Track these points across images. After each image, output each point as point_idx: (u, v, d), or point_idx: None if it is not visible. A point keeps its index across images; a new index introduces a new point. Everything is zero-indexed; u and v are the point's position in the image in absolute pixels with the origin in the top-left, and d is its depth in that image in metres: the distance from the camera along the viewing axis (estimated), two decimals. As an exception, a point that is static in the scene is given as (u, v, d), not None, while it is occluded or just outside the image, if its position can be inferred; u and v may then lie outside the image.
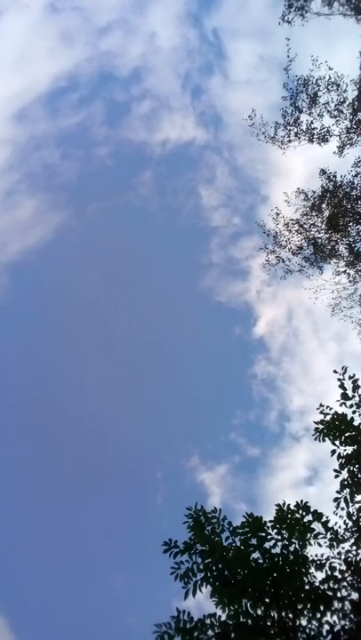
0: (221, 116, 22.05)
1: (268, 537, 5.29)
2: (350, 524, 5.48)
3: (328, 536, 5.34)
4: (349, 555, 5.30)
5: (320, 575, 5.16)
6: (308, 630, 4.83)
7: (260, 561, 5.16)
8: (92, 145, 23.96)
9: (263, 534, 5.28)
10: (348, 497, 5.61)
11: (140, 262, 27.14)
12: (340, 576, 5.15)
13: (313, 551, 5.29)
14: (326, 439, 5.91)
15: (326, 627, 4.85)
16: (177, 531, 5.47)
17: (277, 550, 5.22)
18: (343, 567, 5.21)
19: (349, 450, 5.81)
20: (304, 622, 4.88)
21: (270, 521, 5.36)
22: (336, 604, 4.97)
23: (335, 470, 5.77)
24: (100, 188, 25.42)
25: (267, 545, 5.25)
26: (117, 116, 24.35)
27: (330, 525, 5.39)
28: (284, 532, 5.30)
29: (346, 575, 5.17)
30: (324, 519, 5.39)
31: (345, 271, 12.01)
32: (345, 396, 5.95)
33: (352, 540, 5.38)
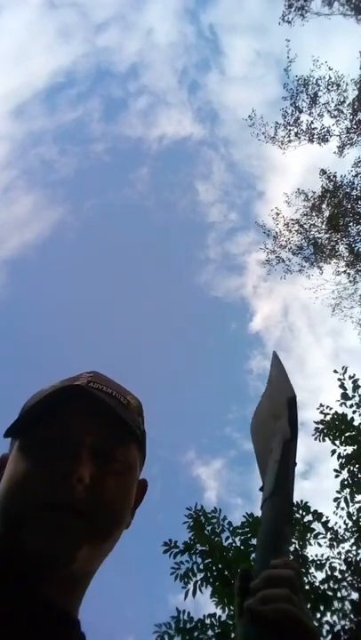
0: (218, 112, 22.06)
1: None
2: (350, 524, 5.48)
3: (328, 536, 5.35)
4: (349, 555, 5.31)
5: (320, 575, 5.16)
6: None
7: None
8: (89, 141, 23.97)
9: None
10: (348, 497, 5.62)
11: (137, 258, 27.19)
12: (340, 576, 5.16)
13: (313, 551, 5.30)
14: (326, 439, 5.92)
15: (326, 627, 4.86)
16: (173, 525, 5.49)
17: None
18: (343, 567, 5.22)
19: (349, 450, 5.82)
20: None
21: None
22: (336, 604, 4.97)
23: (335, 470, 5.78)
24: (97, 184, 25.45)
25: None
26: (114, 112, 24.41)
27: (330, 525, 5.40)
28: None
29: (346, 575, 5.18)
30: (324, 519, 5.40)
31: (345, 271, 12.00)
32: (345, 396, 5.96)
33: (352, 540, 5.38)
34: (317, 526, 5.36)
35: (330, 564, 5.22)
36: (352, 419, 5.89)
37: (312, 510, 5.40)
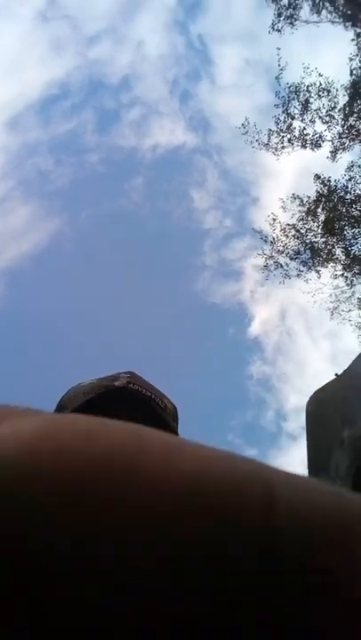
0: (209, 121, 22.30)
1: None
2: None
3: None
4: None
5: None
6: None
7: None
8: (83, 151, 24.18)
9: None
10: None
11: (134, 266, 27.30)
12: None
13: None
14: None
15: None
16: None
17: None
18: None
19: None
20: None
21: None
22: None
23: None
24: (92, 194, 25.64)
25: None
26: (108, 123, 24.67)
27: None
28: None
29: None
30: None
31: (342, 274, 12.07)
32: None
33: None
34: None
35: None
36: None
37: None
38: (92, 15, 21.40)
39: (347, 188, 11.79)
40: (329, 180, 11.96)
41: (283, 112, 12.24)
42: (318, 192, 12.00)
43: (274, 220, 12.36)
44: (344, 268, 12.04)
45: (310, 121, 12.25)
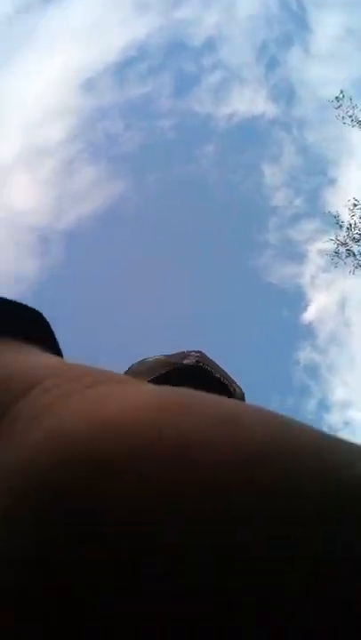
0: (295, 91, 20.93)
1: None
2: None
3: None
4: None
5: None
6: None
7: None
8: (156, 116, 23.60)
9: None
10: None
11: (196, 235, 26.93)
12: None
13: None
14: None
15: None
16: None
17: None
18: None
19: None
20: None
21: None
22: None
23: None
24: (161, 160, 25.19)
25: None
26: (184, 88, 23.74)
27: None
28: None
29: None
30: None
31: None
32: None
33: None
34: None
35: None
36: None
37: None
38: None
39: None
40: None
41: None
42: None
43: (355, 205, 11.63)
44: None
45: None
